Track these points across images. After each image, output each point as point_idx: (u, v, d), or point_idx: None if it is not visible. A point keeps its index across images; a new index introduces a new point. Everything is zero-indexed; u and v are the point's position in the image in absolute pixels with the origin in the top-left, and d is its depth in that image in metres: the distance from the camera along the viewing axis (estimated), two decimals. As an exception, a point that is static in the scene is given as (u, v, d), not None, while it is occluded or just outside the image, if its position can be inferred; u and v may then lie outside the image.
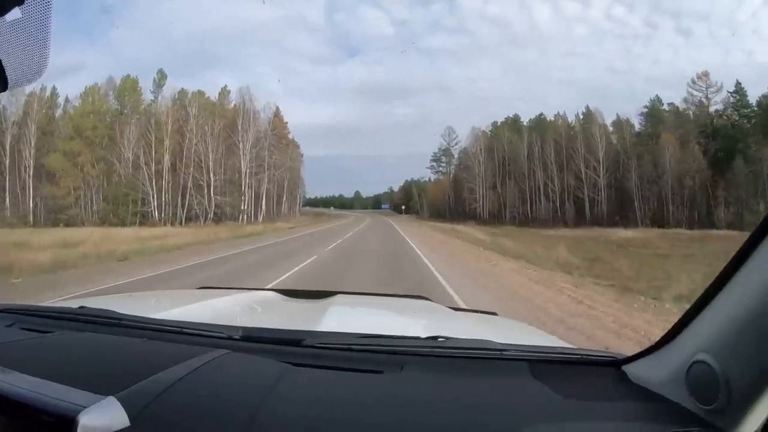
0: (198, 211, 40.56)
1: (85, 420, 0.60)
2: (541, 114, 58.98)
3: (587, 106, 53.37)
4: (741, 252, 0.66)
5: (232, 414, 0.68)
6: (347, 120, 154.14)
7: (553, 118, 57.04)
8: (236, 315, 1.54)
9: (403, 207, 79.76)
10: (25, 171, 40.10)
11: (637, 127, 51.81)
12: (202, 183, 40.61)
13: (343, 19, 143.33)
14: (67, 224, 36.19)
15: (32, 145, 40.68)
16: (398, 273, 8.56)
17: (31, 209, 39.82)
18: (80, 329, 1.08)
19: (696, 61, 76.84)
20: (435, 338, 0.99)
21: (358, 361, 0.92)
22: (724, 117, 47.35)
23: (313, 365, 0.89)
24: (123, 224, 37.29)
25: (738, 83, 47.34)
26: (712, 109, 47.52)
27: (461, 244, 17.90)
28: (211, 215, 40.35)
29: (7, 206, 38.05)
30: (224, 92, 48.41)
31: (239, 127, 43.22)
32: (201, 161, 40.81)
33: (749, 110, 46.41)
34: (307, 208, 78.25)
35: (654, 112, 50.39)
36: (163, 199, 40.59)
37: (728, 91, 47.50)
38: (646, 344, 0.90)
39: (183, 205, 40.94)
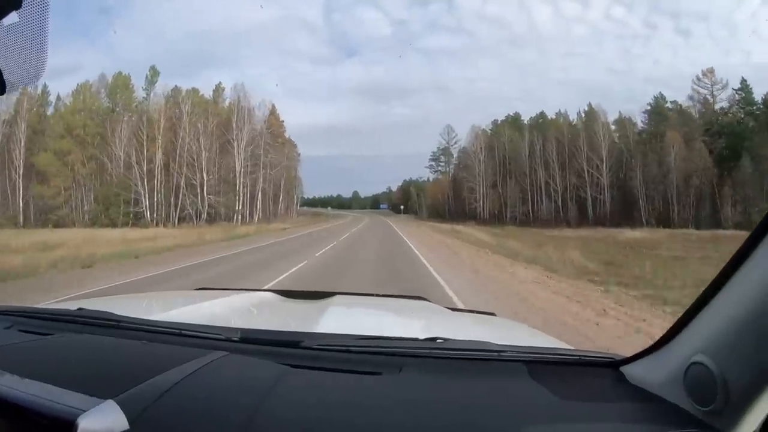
0: (191, 211, 39.41)
1: (84, 423, 0.60)
2: (541, 112, 58.13)
3: (589, 103, 52.29)
4: (739, 253, 0.66)
5: (231, 417, 0.68)
6: (346, 120, 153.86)
7: (554, 116, 56.05)
8: (234, 316, 1.51)
9: (402, 207, 78.77)
10: (15, 171, 39.14)
11: (639, 125, 50.88)
12: (194, 182, 39.46)
13: (342, 19, 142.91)
14: (57, 225, 35.56)
15: (22, 144, 39.78)
16: (400, 287, 7.17)
17: (21, 210, 38.98)
18: (78, 331, 1.07)
19: (695, 62, 76.51)
20: (433, 339, 0.99)
21: (356, 363, 0.91)
22: (729, 114, 46.43)
23: (312, 367, 0.89)
24: (114, 225, 36.45)
25: (743, 80, 46.47)
26: (717, 106, 46.55)
27: (465, 246, 16.72)
28: (204, 216, 39.21)
29: (-2, 206, 37.01)
30: (218, 89, 47.29)
31: (233, 125, 42.05)
32: (194, 160, 39.63)
33: (755, 107, 45.50)
34: (305, 208, 77.42)
35: (658, 110, 49.35)
36: (155, 200, 39.48)
37: (733, 89, 46.60)
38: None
39: (176, 206, 39.88)
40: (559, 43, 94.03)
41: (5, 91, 0.62)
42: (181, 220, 39.31)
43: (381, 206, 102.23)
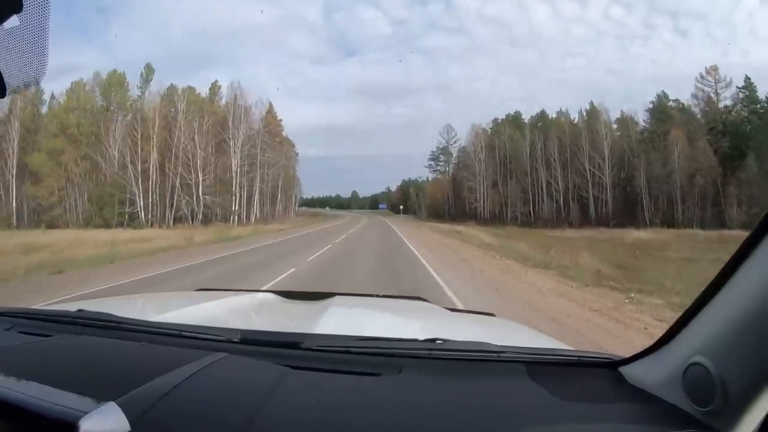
0: (186, 212, 38.60)
1: (86, 425, 0.60)
2: (542, 111, 57.40)
3: (591, 102, 51.52)
4: (739, 253, 0.67)
5: (231, 418, 0.69)
6: (345, 120, 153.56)
7: (555, 115, 55.31)
8: (234, 317, 1.51)
9: (401, 207, 78.06)
10: (9, 171, 38.42)
11: (641, 124, 50.11)
12: (190, 182, 38.62)
13: (341, 18, 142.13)
14: (51, 226, 35.04)
15: (15, 143, 39.13)
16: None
17: (14, 210, 38.33)
18: (78, 333, 1.07)
19: (693, 61, 76.35)
20: (433, 340, 0.99)
21: (356, 364, 0.91)
22: (733, 113, 45.72)
23: (311, 368, 0.89)
24: (108, 226, 35.75)
25: (747, 78, 45.68)
26: (721, 105, 45.82)
27: (469, 248, 15.84)
28: (200, 216, 38.38)
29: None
30: (215, 88, 46.45)
31: (230, 124, 41.23)
32: (189, 159, 38.81)
33: (759, 106, 44.78)
34: (304, 208, 76.96)
35: (661, 108, 48.61)
36: (150, 200, 38.67)
37: (737, 87, 45.88)
38: None
39: (171, 206, 39.08)
40: (559, 43, 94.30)
41: (6, 94, 0.62)
42: (177, 220, 38.58)
43: (380, 206, 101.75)
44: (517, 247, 15.26)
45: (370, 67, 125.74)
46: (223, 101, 45.40)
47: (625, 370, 0.91)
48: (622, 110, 51.05)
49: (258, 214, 45.24)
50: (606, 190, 46.58)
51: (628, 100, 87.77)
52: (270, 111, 49.23)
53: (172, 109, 41.24)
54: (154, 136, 38.87)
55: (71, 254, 12.87)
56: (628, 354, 0.93)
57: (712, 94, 45.98)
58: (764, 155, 39.52)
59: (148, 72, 43.84)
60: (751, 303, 0.63)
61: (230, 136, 41.02)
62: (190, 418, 0.69)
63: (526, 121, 56.78)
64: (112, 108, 43.27)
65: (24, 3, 0.58)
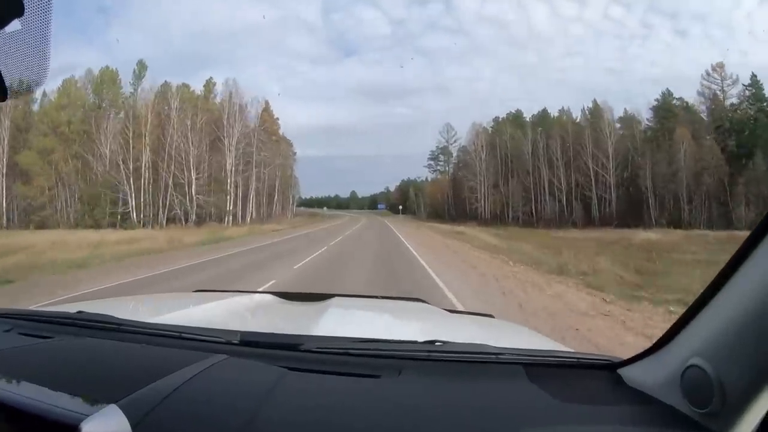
0: (179, 212, 37.50)
1: (87, 428, 0.60)
2: (543, 109, 56.36)
3: (594, 100, 50.43)
4: (738, 255, 0.67)
5: (231, 420, 0.69)
6: (344, 120, 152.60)
7: (557, 114, 54.27)
8: (234, 319, 1.50)
9: (400, 207, 77.03)
10: (-1, 170, 37.54)
11: (645, 123, 49.09)
12: (183, 181, 37.49)
13: (340, 18, 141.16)
14: (41, 226, 34.40)
15: (5, 142, 38.20)
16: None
17: (4, 211, 37.35)
18: (79, 334, 1.07)
19: (693, 62, 75.42)
20: (432, 342, 0.99)
21: (355, 366, 0.92)
22: (739, 111, 44.76)
23: (311, 370, 0.89)
24: (99, 226, 34.86)
25: (753, 75, 44.62)
26: (727, 102, 44.81)
27: (475, 252, 14.70)
28: (193, 216, 37.26)
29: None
30: (209, 85, 45.28)
31: (224, 122, 40.10)
32: (182, 158, 37.71)
33: (765, 104, 43.82)
34: (302, 208, 75.96)
35: (666, 106, 47.59)
36: (142, 200, 37.59)
37: (743, 84, 44.91)
38: None
39: (164, 206, 38.01)
40: (558, 43, 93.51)
41: (7, 98, 0.62)
42: (170, 221, 37.53)
43: (379, 206, 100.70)
44: (524, 250, 14.23)
45: (370, 67, 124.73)
46: (218, 99, 44.38)
47: (624, 372, 0.91)
48: (625, 108, 50.09)
49: (254, 215, 44.17)
50: (610, 189, 45.51)
51: (627, 101, 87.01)
52: (266, 109, 48.20)
53: (166, 107, 40.18)
54: (147, 134, 37.86)
55: (49, 257, 12.17)
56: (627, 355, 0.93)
57: (718, 92, 44.97)
58: (772, 154, 38.68)
59: (141, 68, 42.75)
60: (750, 305, 0.63)
61: (225, 134, 39.87)
62: (191, 420, 0.69)
63: (528, 119, 55.81)
64: (104, 105, 42.20)
65: (26, 7, 0.58)
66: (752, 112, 43.90)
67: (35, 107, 42.50)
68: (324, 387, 0.85)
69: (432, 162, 66.94)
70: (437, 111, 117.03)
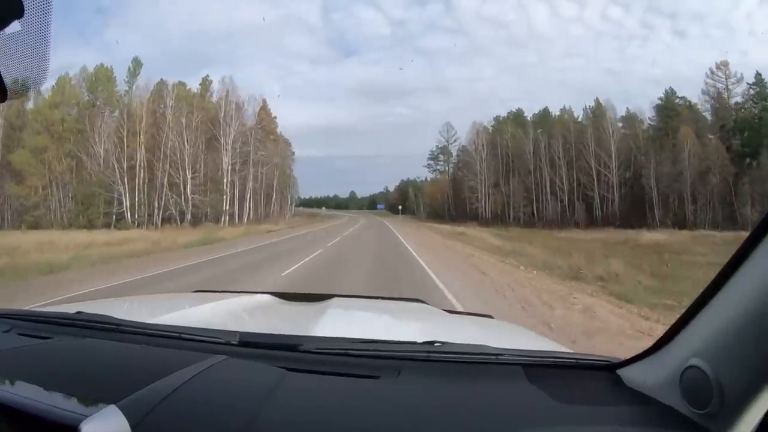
0: (174, 212, 36.75)
1: (87, 429, 0.60)
2: (545, 108, 55.65)
3: (596, 98, 49.66)
4: (737, 255, 0.67)
5: (231, 421, 0.69)
6: (344, 121, 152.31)
7: (559, 113, 53.54)
8: (233, 319, 1.49)
9: (400, 207, 76.32)
10: (-8, 170, 36.79)
11: (647, 122, 48.35)
12: (178, 181, 36.73)
13: (340, 18, 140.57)
14: (34, 226, 33.74)
15: (-1, 141, 37.64)
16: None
17: (-4, 211, 36.71)
18: (78, 335, 1.07)
19: (692, 62, 75.09)
20: (432, 343, 0.99)
21: (354, 366, 0.92)
22: (743, 110, 44.08)
23: (310, 370, 0.89)
24: (92, 226, 34.26)
25: (758, 74, 43.89)
26: (732, 101, 44.10)
27: (481, 255, 13.79)
28: (188, 216, 36.50)
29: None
30: (206, 83, 44.51)
31: (221, 120, 39.33)
32: (177, 157, 36.95)
33: (769, 103, 43.16)
34: (301, 208, 75.41)
35: (669, 105, 46.89)
36: (137, 199, 36.85)
37: (747, 83, 44.20)
38: None
39: (159, 206, 37.25)
40: (557, 43, 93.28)
41: (7, 98, 0.62)
42: (165, 221, 36.81)
43: (378, 207, 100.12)
44: (531, 252, 13.51)
45: (369, 67, 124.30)
46: (215, 97, 43.58)
47: (623, 373, 0.91)
48: (627, 108, 49.31)
49: (252, 215, 43.43)
50: (612, 189, 44.78)
51: (627, 101, 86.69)
52: (264, 107, 47.41)
53: (162, 105, 39.45)
54: (141, 133, 37.16)
55: (32, 259, 11.57)
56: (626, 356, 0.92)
57: (722, 91, 44.26)
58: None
59: (136, 66, 41.94)
60: (749, 306, 0.63)
61: (221, 133, 39.11)
62: (191, 421, 0.69)
63: (529, 119, 55.08)
64: (98, 104, 41.44)
65: (25, 8, 0.58)
66: (756, 111, 43.26)
67: (29, 105, 41.97)
68: (323, 387, 0.84)
69: (432, 162, 66.29)
70: (437, 111, 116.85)
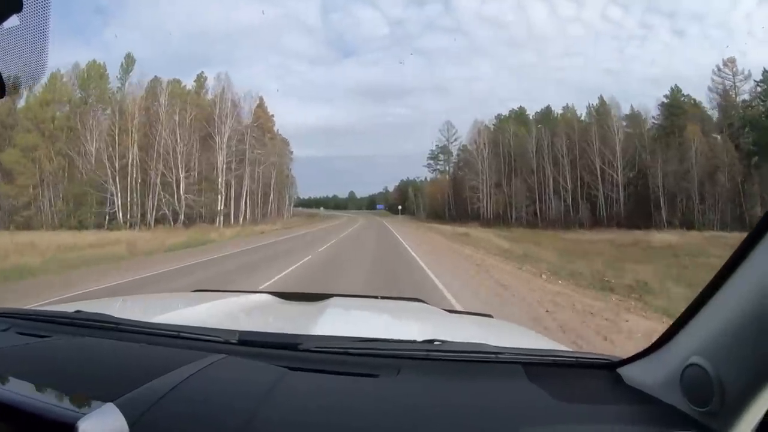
0: (167, 212, 35.66)
1: (85, 426, 0.60)
2: (547, 107, 54.60)
3: (601, 96, 48.58)
4: (736, 255, 0.67)
5: (229, 420, 0.69)
6: (343, 121, 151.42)
7: (562, 111, 52.46)
8: (232, 318, 1.49)
9: (400, 207, 75.35)
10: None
11: (651, 120, 47.30)
12: (170, 180, 35.63)
13: (339, 18, 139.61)
14: (24, 227, 32.89)
15: (-11, 139, 36.69)
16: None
17: (-13, 210, 35.68)
18: (77, 334, 1.06)
19: (690, 62, 74.34)
20: (431, 342, 0.98)
21: (354, 365, 0.92)
22: (750, 108, 43.08)
23: (310, 369, 0.89)
24: (83, 227, 33.31)
25: (765, 71, 42.92)
26: (739, 99, 43.10)
27: (490, 258, 12.59)
28: (181, 217, 35.40)
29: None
30: (200, 80, 43.41)
31: (216, 118, 38.20)
32: (170, 155, 35.85)
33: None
34: (300, 208, 74.43)
35: (675, 103, 45.85)
36: (129, 199, 35.79)
37: (755, 80, 43.19)
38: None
39: (152, 206, 36.18)
40: (557, 43, 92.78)
41: (5, 94, 0.62)
42: (158, 221, 35.78)
43: (377, 207, 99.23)
44: (544, 256, 12.45)
45: (368, 67, 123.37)
46: (210, 95, 42.45)
47: (624, 371, 0.90)
48: (632, 105, 48.27)
49: (248, 215, 42.36)
50: (617, 188, 43.72)
51: (627, 101, 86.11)
52: (260, 105, 46.27)
53: (155, 103, 38.37)
54: (134, 131, 36.12)
55: (8, 262, 10.81)
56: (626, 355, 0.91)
57: (729, 88, 43.22)
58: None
59: (129, 62, 40.84)
60: (749, 304, 0.63)
61: (216, 131, 37.99)
62: (189, 419, 0.69)
63: (531, 117, 54.05)
64: (90, 101, 40.38)
65: (24, 3, 0.58)
66: (764, 109, 42.28)
67: (20, 103, 40.95)
68: (323, 386, 0.84)
69: (431, 161, 65.15)
70: (436, 111, 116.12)
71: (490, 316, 1.74)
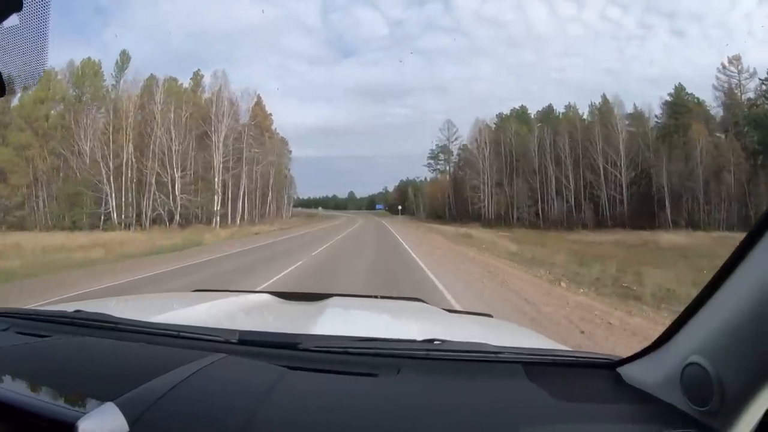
0: (162, 212, 34.93)
1: (84, 426, 0.60)
2: (549, 105, 53.91)
3: (603, 95, 47.88)
4: (736, 254, 0.67)
5: (229, 419, 0.69)
6: (342, 121, 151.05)
7: (564, 110, 51.71)
8: (232, 318, 1.49)
9: (400, 207, 74.70)
10: (-25, 168, 35.09)
11: (654, 119, 46.63)
12: (165, 180, 34.89)
13: (339, 19, 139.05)
14: (17, 227, 32.32)
15: (-18, 138, 35.99)
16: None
17: (-21, 211, 34.99)
18: (76, 333, 1.07)
19: (690, 62, 74.13)
20: (431, 341, 0.98)
21: (354, 365, 0.91)
22: (756, 106, 42.37)
23: (310, 368, 0.89)
24: (77, 228, 32.65)
25: (771, 69, 42.34)
26: (744, 97, 42.37)
27: (500, 263, 11.61)
28: (177, 217, 34.66)
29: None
30: (197, 77, 42.65)
31: (212, 116, 37.45)
32: (165, 154, 35.11)
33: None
34: (299, 209, 73.87)
35: (679, 101, 45.13)
36: (123, 199, 35.06)
37: (760, 78, 42.46)
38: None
39: (148, 206, 35.44)
40: (556, 43, 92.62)
41: (5, 93, 0.62)
42: (154, 222, 35.07)
43: (377, 207, 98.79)
44: (555, 259, 11.71)
45: (368, 67, 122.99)
46: (207, 94, 41.67)
47: (623, 371, 0.90)
48: (635, 104, 47.57)
49: (246, 215, 41.62)
50: (621, 188, 43.00)
51: (626, 100, 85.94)
52: (258, 103, 45.53)
53: (151, 101, 37.62)
54: (129, 129, 35.40)
55: None
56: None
57: (735, 86, 42.49)
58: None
59: (124, 59, 40.10)
60: (749, 303, 0.63)
61: (213, 129, 37.23)
62: (189, 418, 0.69)
63: (533, 116, 53.36)
64: (84, 99, 39.63)
65: (24, 2, 0.58)
66: (768, 108, 41.64)
67: (14, 101, 40.30)
68: (322, 386, 0.84)
69: (432, 161, 64.49)
70: (436, 111, 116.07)
71: (490, 315, 1.71)
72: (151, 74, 39.59)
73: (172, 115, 35.45)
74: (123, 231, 31.06)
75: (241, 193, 40.67)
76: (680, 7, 77.87)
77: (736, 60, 42.50)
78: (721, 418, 0.66)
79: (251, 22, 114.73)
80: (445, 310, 1.88)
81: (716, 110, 43.80)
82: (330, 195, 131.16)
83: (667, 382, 0.77)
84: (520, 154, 48.49)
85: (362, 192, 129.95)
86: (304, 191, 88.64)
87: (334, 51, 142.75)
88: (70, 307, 1.22)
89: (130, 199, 35.30)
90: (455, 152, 59.95)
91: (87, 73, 41.07)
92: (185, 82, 42.22)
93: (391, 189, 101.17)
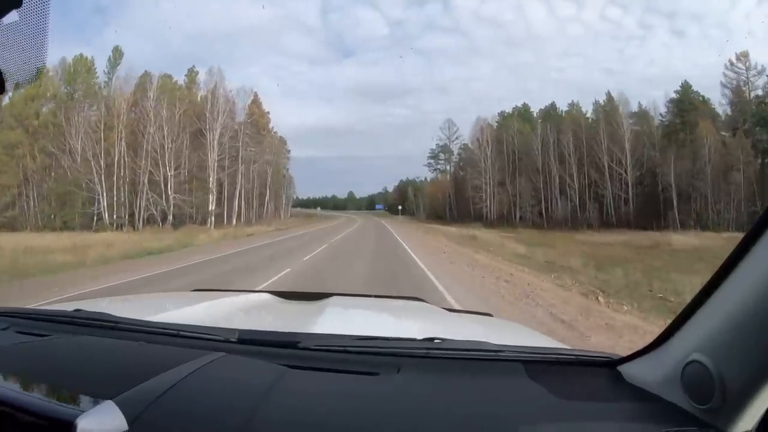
0: (155, 212, 33.95)
1: (83, 424, 0.60)
2: (552, 103, 52.90)
3: (608, 92, 46.89)
4: (736, 252, 0.67)
5: (228, 418, 0.69)
6: (342, 121, 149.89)
7: (567, 108, 50.75)
8: (232, 317, 1.50)
9: (400, 207, 73.73)
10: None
11: (658, 118, 45.66)
12: (158, 178, 33.90)
13: (338, 19, 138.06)
14: (6, 228, 31.40)
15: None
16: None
17: (-32, 211, 34.08)
18: (76, 332, 1.07)
19: (690, 62, 73.07)
20: (431, 340, 0.98)
21: (354, 363, 0.91)
22: (763, 104, 41.44)
23: (309, 367, 0.89)
24: (69, 228, 31.71)
25: (779, 65, 41.42)
26: (752, 94, 41.42)
27: (515, 269, 10.41)
28: (170, 217, 33.68)
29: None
30: (192, 74, 41.65)
31: (207, 113, 36.45)
32: (157, 153, 34.12)
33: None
34: (299, 209, 72.86)
35: (686, 99, 44.17)
36: (115, 199, 34.10)
37: (767, 75, 41.58)
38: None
39: (140, 206, 34.48)
40: (556, 43, 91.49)
41: (5, 90, 0.62)
42: (148, 222, 34.13)
43: (377, 207, 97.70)
44: (572, 264, 10.76)
45: (368, 67, 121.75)
46: (202, 91, 40.67)
47: (624, 369, 0.90)
48: (639, 102, 46.59)
49: (243, 215, 40.66)
50: (627, 187, 42.04)
51: (626, 101, 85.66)
52: (255, 101, 44.51)
53: (144, 98, 36.64)
54: (121, 127, 34.45)
55: None
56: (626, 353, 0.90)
57: (743, 83, 41.53)
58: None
59: (116, 55, 39.10)
60: (750, 300, 0.63)
61: (207, 127, 36.24)
62: (188, 417, 0.69)
63: (535, 114, 52.43)
64: (76, 96, 38.66)
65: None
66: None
67: (5, 100, 39.38)
68: (322, 385, 0.84)
69: (432, 161, 63.33)
70: (436, 111, 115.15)
71: (489, 314, 1.70)
72: (145, 71, 38.63)
73: (165, 113, 34.44)
74: (114, 232, 30.22)
75: (237, 192, 39.71)
76: (680, 7, 76.92)
77: (743, 56, 41.55)
78: (723, 416, 0.65)
79: (251, 22, 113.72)
80: (445, 309, 1.87)
81: (722, 108, 42.95)
82: (329, 195, 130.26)
83: (668, 380, 0.75)
84: (522, 153, 47.53)
85: (362, 192, 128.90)
86: (303, 191, 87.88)
87: (334, 51, 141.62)
88: (69, 307, 1.21)
89: (122, 199, 34.40)
90: (456, 152, 59.04)
91: (79, 70, 40.12)
92: (180, 79, 41.34)
93: (390, 189, 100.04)
